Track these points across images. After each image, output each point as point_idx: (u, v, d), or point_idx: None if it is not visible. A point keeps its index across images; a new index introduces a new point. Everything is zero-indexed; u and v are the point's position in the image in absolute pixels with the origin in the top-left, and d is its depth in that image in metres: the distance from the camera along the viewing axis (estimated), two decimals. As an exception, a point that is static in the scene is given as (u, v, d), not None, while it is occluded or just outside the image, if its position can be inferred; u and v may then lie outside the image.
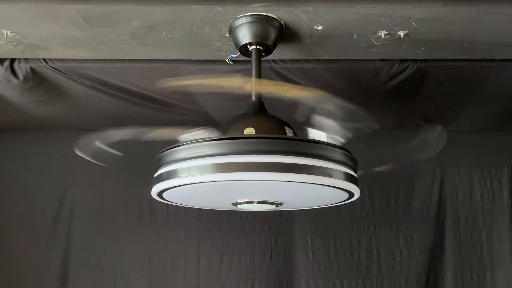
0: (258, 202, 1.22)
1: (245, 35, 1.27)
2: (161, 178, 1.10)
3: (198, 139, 1.05)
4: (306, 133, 1.15)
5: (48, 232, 2.14)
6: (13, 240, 2.13)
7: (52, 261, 2.12)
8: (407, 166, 1.43)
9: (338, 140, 1.12)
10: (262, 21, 1.25)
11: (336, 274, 2.13)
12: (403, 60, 1.55)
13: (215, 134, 1.09)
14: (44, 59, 1.54)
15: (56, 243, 2.13)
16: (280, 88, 1.37)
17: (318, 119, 1.14)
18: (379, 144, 1.91)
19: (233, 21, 1.27)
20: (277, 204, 1.25)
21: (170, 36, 1.36)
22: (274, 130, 1.20)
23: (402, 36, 1.33)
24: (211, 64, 1.56)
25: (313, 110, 1.15)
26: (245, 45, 1.29)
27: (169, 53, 1.49)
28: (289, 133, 1.21)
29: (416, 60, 1.55)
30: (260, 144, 1.03)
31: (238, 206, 1.26)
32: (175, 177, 1.07)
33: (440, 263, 2.15)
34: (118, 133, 1.24)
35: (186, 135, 1.12)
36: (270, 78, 1.62)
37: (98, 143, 1.27)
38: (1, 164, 2.19)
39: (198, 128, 1.12)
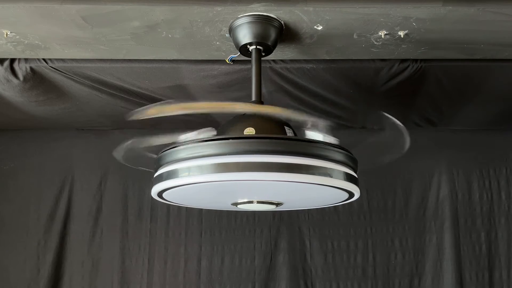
0: (258, 202, 1.22)
1: (245, 35, 1.27)
2: (161, 178, 1.10)
3: (198, 139, 1.05)
4: (304, 134, 1.15)
5: (41, 232, 2.12)
6: (4, 239, 2.11)
7: (44, 262, 2.10)
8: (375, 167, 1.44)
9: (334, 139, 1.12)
10: (262, 21, 1.25)
11: (333, 276, 2.15)
12: (403, 60, 1.55)
13: (213, 134, 1.09)
14: (44, 59, 1.54)
15: (48, 243, 2.11)
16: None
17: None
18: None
19: (233, 21, 1.27)
20: (277, 204, 1.25)
21: (170, 36, 1.36)
22: (274, 130, 1.20)
23: (402, 36, 1.33)
24: (211, 64, 1.56)
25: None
26: (245, 45, 1.29)
27: (169, 53, 1.49)
28: (289, 133, 1.21)
29: (416, 60, 1.55)
30: (260, 144, 1.03)
31: (238, 206, 1.26)
32: (175, 177, 1.07)
33: (439, 264, 2.15)
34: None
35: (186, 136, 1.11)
36: (270, 78, 1.62)
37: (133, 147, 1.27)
38: (0, 164, 2.19)
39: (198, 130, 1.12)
